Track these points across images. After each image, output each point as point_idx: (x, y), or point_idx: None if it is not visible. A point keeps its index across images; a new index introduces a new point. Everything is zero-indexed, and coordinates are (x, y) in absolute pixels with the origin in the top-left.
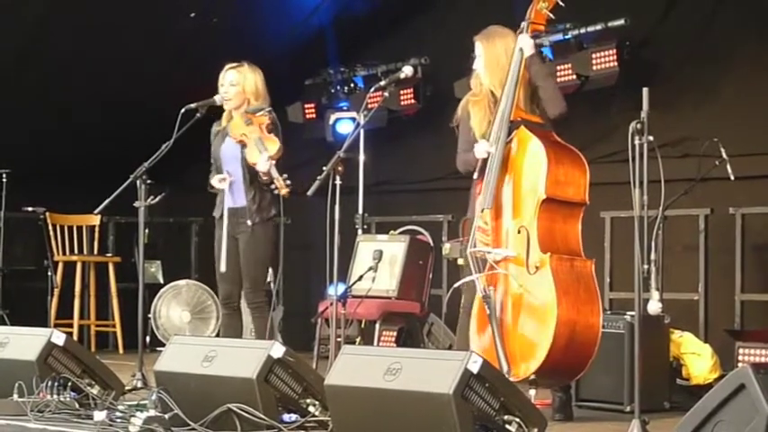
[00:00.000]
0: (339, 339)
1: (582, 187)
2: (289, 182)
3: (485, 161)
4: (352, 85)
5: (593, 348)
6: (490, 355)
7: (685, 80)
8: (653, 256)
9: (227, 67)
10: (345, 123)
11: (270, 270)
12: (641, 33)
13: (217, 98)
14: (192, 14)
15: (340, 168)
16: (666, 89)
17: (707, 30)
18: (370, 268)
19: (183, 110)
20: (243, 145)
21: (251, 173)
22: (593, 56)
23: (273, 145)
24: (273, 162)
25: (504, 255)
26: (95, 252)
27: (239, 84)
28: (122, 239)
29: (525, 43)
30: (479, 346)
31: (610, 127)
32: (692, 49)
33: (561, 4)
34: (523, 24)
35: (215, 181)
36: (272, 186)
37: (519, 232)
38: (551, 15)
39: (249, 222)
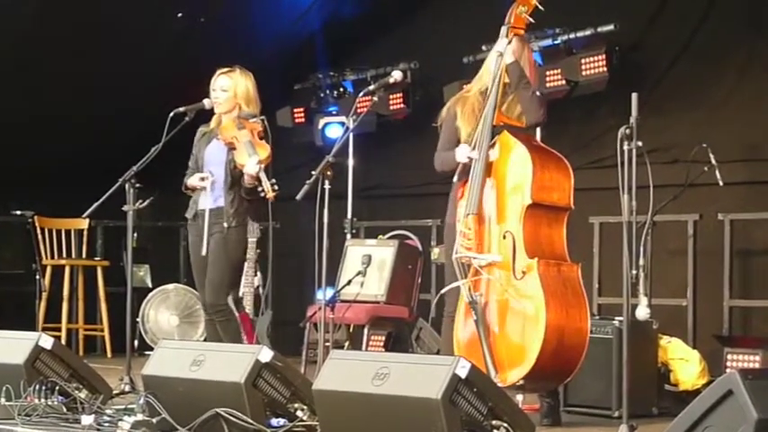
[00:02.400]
0: (327, 344)
1: (567, 192)
2: (276, 186)
3: (465, 165)
4: (341, 89)
5: (582, 353)
6: (476, 360)
7: (674, 86)
8: (641, 262)
9: (219, 71)
10: (335, 128)
11: (259, 274)
12: (631, 39)
13: (206, 102)
14: (179, 14)
15: (329, 173)
16: (656, 95)
17: (696, 35)
18: (359, 273)
19: (171, 114)
20: (232, 147)
21: (233, 177)
22: (583, 61)
23: (264, 150)
24: (262, 166)
25: (489, 260)
26: (84, 256)
27: (230, 89)
28: (111, 243)
29: (505, 49)
30: (465, 351)
31: (599, 132)
32: (681, 55)
33: (540, 7)
34: (503, 29)
35: (195, 180)
36: (260, 189)
37: (504, 237)
38: (531, 20)
39: (225, 225)
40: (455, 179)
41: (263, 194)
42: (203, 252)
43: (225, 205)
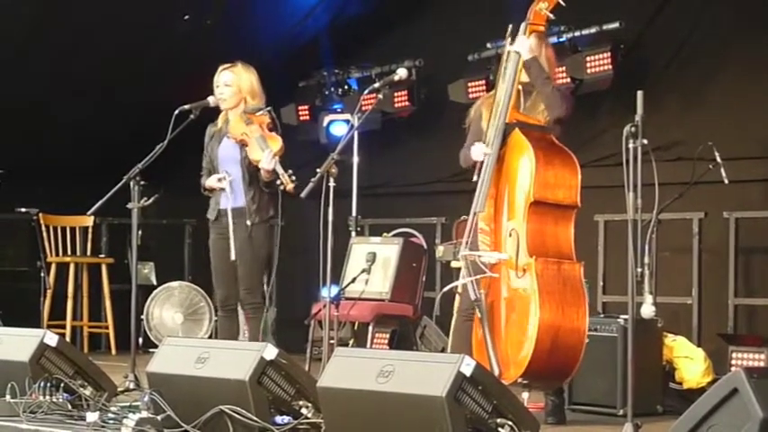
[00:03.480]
0: (332, 341)
1: (573, 189)
2: (294, 177)
3: (481, 164)
4: (346, 87)
5: (580, 352)
6: (482, 358)
7: (680, 83)
8: (646, 260)
9: (221, 67)
10: (339, 125)
11: None
12: (636, 36)
13: (210, 99)
14: (186, 17)
15: (333, 170)
16: (661, 92)
17: (701, 33)
18: (364, 270)
19: (176, 111)
20: (244, 144)
21: (250, 173)
22: (588, 59)
23: (276, 143)
24: (278, 159)
25: (496, 258)
26: (88, 253)
27: (234, 84)
28: (115, 241)
29: (523, 46)
30: (474, 350)
31: (604, 130)
32: (686, 53)
33: (562, 3)
34: (522, 26)
35: (212, 181)
36: (278, 182)
37: (510, 235)
38: (551, 16)
39: (249, 222)
40: (474, 178)
41: (282, 187)
42: (232, 255)
43: (246, 203)
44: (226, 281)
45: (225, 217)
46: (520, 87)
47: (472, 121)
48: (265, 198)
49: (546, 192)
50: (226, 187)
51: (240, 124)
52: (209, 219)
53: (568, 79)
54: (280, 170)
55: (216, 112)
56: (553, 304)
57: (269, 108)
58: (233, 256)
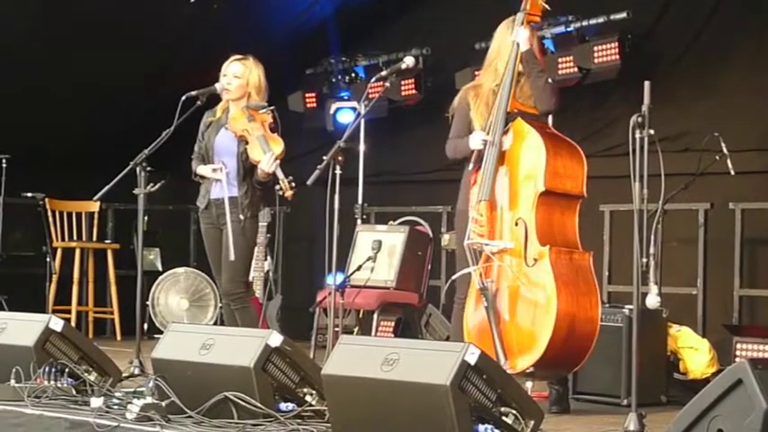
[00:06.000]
0: (337, 329)
1: (580, 180)
2: (293, 184)
3: (480, 152)
4: (353, 74)
5: (592, 341)
6: (486, 347)
7: (687, 74)
8: (652, 250)
9: (233, 58)
10: (346, 113)
11: (269, 259)
12: (643, 27)
13: (217, 86)
14: (192, 0)
15: (340, 158)
16: (668, 83)
17: (708, 24)
18: (369, 258)
19: (183, 97)
20: (243, 140)
21: (245, 168)
22: (595, 49)
23: (278, 146)
24: (278, 162)
25: (501, 246)
26: (94, 239)
27: (244, 77)
28: (121, 226)
29: (521, 37)
30: (475, 338)
31: (610, 120)
32: (693, 43)
33: None
34: (519, 15)
35: (207, 171)
36: (277, 187)
37: (516, 224)
38: (547, 6)
39: (241, 216)
40: (470, 167)
41: (280, 192)
42: (231, 256)
43: (239, 197)
44: (219, 271)
45: (214, 207)
46: None
47: (456, 111)
48: (257, 194)
49: (556, 181)
50: (222, 179)
51: (242, 119)
52: (199, 206)
53: (576, 69)
54: (280, 175)
55: (217, 98)
56: (569, 293)
57: (272, 107)
58: (231, 257)
